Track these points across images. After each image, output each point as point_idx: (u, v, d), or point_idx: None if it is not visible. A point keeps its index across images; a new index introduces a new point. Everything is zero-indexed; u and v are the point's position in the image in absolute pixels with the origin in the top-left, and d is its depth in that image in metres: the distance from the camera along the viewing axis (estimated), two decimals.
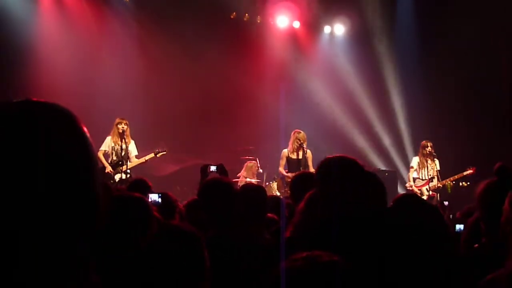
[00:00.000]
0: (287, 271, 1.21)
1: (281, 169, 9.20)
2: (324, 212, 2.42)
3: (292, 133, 9.21)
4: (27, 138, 0.85)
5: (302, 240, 2.32)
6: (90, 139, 0.95)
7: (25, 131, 0.85)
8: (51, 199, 0.84)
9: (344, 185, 2.44)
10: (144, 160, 8.82)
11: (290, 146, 9.16)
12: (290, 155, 9.11)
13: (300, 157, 8.98)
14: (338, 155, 2.61)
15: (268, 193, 5.99)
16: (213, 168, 4.65)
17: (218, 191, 3.07)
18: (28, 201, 0.82)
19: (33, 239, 0.83)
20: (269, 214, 3.69)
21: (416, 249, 2.34)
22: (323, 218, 2.38)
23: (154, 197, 3.32)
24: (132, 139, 8.87)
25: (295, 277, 1.19)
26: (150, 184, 4.31)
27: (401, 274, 2.24)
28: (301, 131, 9.16)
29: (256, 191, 3.67)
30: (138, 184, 4.17)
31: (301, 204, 2.63)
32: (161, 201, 3.26)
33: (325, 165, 2.59)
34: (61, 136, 0.88)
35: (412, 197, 3.52)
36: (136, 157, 8.85)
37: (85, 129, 0.94)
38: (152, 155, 8.87)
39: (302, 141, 8.99)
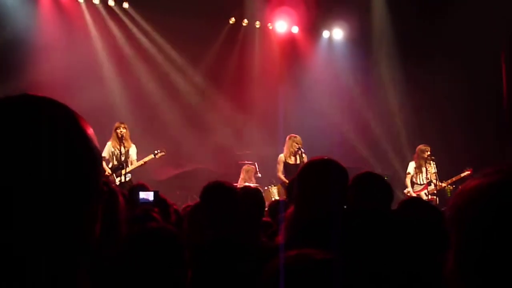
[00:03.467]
0: (281, 268, 1.24)
1: (280, 174, 9.20)
2: (303, 213, 2.45)
3: (288, 138, 9.23)
4: (29, 132, 0.83)
5: (293, 242, 2.34)
6: (93, 135, 0.92)
7: (28, 125, 0.83)
8: (54, 196, 0.83)
9: (322, 186, 2.48)
10: (144, 162, 8.82)
11: (286, 151, 9.18)
12: (287, 160, 9.12)
13: (298, 161, 8.97)
14: (320, 157, 2.63)
15: (267, 198, 6.01)
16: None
17: (221, 194, 3.07)
18: (30, 198, 0.81)
19: (34, 238, 0.82)
20: (264, 218, 3.72)
21: (420, 251, 2.37)
22: (307, 218, 2.41)
23: (148, 195, 3.29)
24: (133, 143, 8.89)
25: (288, 273, 1.22)
26: (150, 188, 4.33)
27: (401, 274, 2.27)
28: (297, 136, 9.20)
29: (253, 194, 3.70)
30: (138, 188, 4.19)
31: (291, 208, 2.67)
32: (156, 200, 3.25)
33: (306, 167, 2.63)
34: (63, 131, 0.86)
35: (418, 200, 3.56)
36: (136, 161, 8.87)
37: (85, 124, 0.91)
38: (151, 156, 8.89)
39: (299, 146, 9.03)
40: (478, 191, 0.93)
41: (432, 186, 9.31)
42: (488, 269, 0.89)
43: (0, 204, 0.80)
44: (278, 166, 9.24)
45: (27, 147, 0.82)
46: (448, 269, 0.96)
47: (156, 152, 8.93)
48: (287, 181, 8.51)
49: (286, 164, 9.10)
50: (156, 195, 3.32)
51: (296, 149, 9.03)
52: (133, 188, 4.47)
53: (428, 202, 4.34)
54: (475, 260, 0.91)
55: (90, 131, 0.92)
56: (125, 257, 1.73)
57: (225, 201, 3.04)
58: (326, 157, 2.60)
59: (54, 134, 0.85)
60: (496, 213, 0.89)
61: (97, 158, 0.92)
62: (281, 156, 9.22)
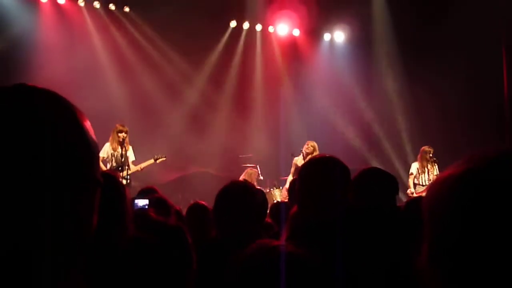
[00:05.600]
0: (241, 257, 1.25)
1: (290, 176, 9.22)
2: (309, 211, 2.42)
3: (306, 144, 9.32)
4: (22, 121, 0.82)
5: (295, 241, 2.32)
6: (89, 127, 0.91)
7: (21, 116, 0.83)
8: (47, 186, 0.82)
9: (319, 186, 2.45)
10: (142, 167, 8.72)
11: (301, 155, 9.25)
12: (297, 163, 9.17)
13: None
14: (322, 154, 2.62)
15: (270, 201, 5.99)
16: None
17: (244, 196, 3.00)
18: (21, 189, 0.80)
19: (30, 235, 0.81)
20: (266, 219, 3.69)
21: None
22: (312, 216, 2.38)
23: (142, 202, 3.25)
24: (131, 145, 8.83)
25: (243, 261, 1.23)
26: (159, 191, 4.31)
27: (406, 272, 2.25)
28: (311, 141, 9.34)
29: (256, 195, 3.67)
30: (148, 191, 4.17)
31: (294, 208, 2.64)
32: (156, 203, 3.21)
33: (309, 165, 2.61)
34: (58, 122, 0.86)
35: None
36: (133, 163, 8.75)
37: (82, 115, 0.91)
38: (151, 161, 8.81)
39: (312, 150, 9.11)
40: (448, 181, 0.94)
41: None
42: (460, 257, 0.90)
43: None
44: (292, 168, 9.34)
45: (20, 136, 0.81)
46: (421, 262, 0.97)
47: (156, 157, 8.86)
48: None
49: (297, 167, 9.15)
50: (151, 202, 3.27)
51: (307, 154, 9.09)
52: (142, 191, 4.45)
53: None
54: (447, 250, 0.92)
55: (87, 122, 0.92)
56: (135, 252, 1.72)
57: (246, 204, 2.97)
58: (328, 155, 2.59)
59: (48, 124, 0.84)
60: (465, 202, 0.90)
61: (93, 149, 0.91)
62: (296, 159, 9.31)
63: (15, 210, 0.80)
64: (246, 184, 3.15)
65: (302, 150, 9.25)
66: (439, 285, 0.93)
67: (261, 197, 3.74)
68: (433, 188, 0.98)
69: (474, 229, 0.88)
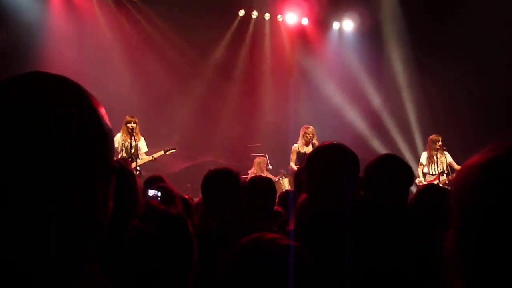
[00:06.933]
0: (234, 249, 1.25)
1: (292, 164, 9.21)
2: (313, 200, 2.38)
3: (302, 129, 9.25)
4: (38, 109, 0.82)
5: (302, 230, 2.30)
6: (104, 113, 0.92)
7: (36, 102, 0.83)
8: (62, 172, 0.82)
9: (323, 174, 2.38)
10: (153, 158, 8.83)
11: (300, 141, 9.20)
12: (300, 150, 9.15)
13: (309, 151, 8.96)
14: (329, 142, 2.52)
15: (278, 190, 6.01)
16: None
17: (220, 182, 3.00)
18: (36, 174, 0.80)
19: (45, 220, 0.81)
20: (275, 207, 3.70)
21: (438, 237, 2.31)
22: (317, 205, 2.35)
23: (156, 193, 3.24)
24: (142, 136, 8.89)
25: (237, 255, 1.23)
26: (166, 180, 4.31)
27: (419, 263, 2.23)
28: (309, 126, 9.20)
29: (264, 184, 3.68)
30: (155, 179, 4.18)
31: (302, 197, 2.61)
32: (161, 193, 3.19)
33: (314, 153, 2.54)
34: (73, 107, 0.86)
35: (434, 187, 3.45)
36: (146, 153, 8.87)
37: (97, 102, 0.91)
38: (161, 152, 8.90)
39: (311, 136, 9.04)
40: (475, 168, 0.95)
41: (444, 177, 9.24)
42: (485, 244, 0.90)
43: (7, 182, 0.80)
44: (291, 155, 9.27)
45: (35, 123, 0.82)
46: (447, 249, 0.97)
47: (166, 149, 8.93)
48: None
49: (298, 154, 9.12)
50: (163, 192, 3.26)
51: (308, 139, 9.04)
52: (148, 179, 4.46)
53: (444, 188, 4.23)
54: (472, 237, 0.93)
55: (102, 109, 0.92)
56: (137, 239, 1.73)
57: (224, 189, 2.97)
58: (336, 142, 2.51)
59: (63, 110, 0.85)
60: (491, 189, 0.91)
61: (108, 135, 0.92)
62: (295, 146, 9.25)
63: (31, 197, 0.80)
64: (229, 170, 3.13)
65: (307, 135, 9.11)
66: (463, 271, 0.94)
67: (269, 186, 3.75)
68: (460, 174, 0.99)
69: (499, 216, 0.89)
